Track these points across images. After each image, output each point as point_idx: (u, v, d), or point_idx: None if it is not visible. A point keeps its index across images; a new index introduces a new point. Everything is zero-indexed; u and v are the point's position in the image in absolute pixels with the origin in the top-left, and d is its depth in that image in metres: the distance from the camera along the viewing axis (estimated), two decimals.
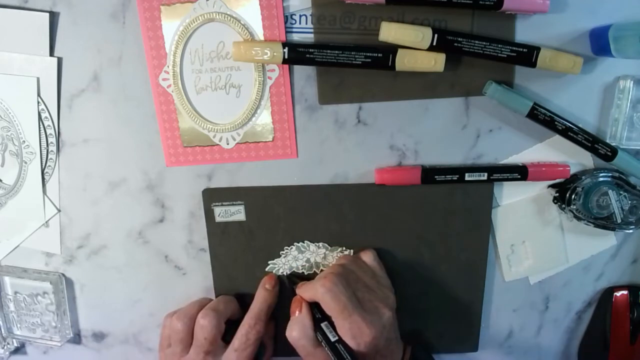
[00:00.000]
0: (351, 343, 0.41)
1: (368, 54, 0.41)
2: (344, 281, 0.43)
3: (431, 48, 0.41)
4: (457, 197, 0.47)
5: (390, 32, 0.41)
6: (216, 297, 0.51)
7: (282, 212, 0.48)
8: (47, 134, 0.47)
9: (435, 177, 0.46)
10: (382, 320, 0.42)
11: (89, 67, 0.45)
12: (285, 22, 0.43)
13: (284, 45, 0.42)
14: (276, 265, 0.50)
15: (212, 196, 0.48)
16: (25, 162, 0.48)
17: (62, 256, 0.51)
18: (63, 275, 0.52)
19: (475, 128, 0.46)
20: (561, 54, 0.42)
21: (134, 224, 0.50)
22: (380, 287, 0.46)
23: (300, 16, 0.43)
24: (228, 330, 0.47)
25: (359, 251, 0.48)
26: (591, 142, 0.44)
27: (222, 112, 0.46)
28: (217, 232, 0.49)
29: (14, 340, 0.55)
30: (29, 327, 0.54)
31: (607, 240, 0.49)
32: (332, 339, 0.41)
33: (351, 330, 0.41)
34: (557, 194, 0.47)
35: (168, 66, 0.44)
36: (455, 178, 0.45)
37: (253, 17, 0.43)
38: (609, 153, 0.44)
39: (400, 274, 0.50)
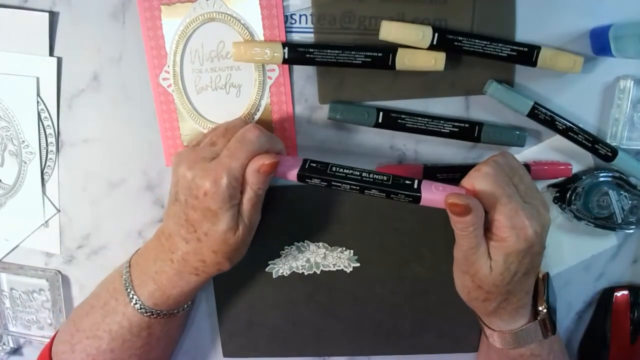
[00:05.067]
0: (510, 235, 0.37)
1: (368, 54, 0.41)
2: (505, 170, 0.39)
3: (431, 47, 0.41)
4: None
5: (390, 31, 0.41)
6: (216, 298, 0.51)
7: (282, 212, 0.48)
8: (47, 134, 0.47)
9: (437, 175, 0.46)
10: (542, 221, 0.38)
11: (88, 67, 0.45)
12: (285, 22, 0.43)
13: (284, 45, 0.42)
14: (276, 266, 0.50)
15: None
16: (25, 162, 0.48)
17: (62, 256, 0.51)
18: (59, 272, 0.51)
19: None
20: (562, 53, 0.42)
21: (134, 224, 0.50)
22: (534, 184, 0.41)
23: (300, 16, 0.43)
24: None
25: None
26: (591, 143, 0.44)
27: (222, 111, 0.46)
28: None
29: (9, 339, 0.55)
30: (24, 324, 0.54)
31: (608, 240, 0.49)
32: None
33: (511, 218, 0.37)
34: (558, 194, 0.47)
35: (168, 66, 0.44)
36: (457, 176, 0.45)
37: (253, 17, 0.43)
38: (609, 154, 0.44)
39: (401, 273, 0.50)
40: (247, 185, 0.39)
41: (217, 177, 0.37)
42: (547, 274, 0.46)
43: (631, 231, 0.47)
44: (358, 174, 0.40)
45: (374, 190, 0.39)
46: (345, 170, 0.40)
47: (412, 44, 0.41)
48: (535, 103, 0.43)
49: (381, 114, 0.44)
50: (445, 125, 0.44)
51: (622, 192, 0.46)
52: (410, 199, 0.39)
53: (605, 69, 0.44)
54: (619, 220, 0.46)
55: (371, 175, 0.40)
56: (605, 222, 0.46)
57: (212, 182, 0.37)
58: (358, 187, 0.39)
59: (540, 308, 0.43)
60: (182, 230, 0.40)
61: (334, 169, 0.40)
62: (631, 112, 0.44)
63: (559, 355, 0.45)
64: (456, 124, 0.44)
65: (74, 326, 0.45)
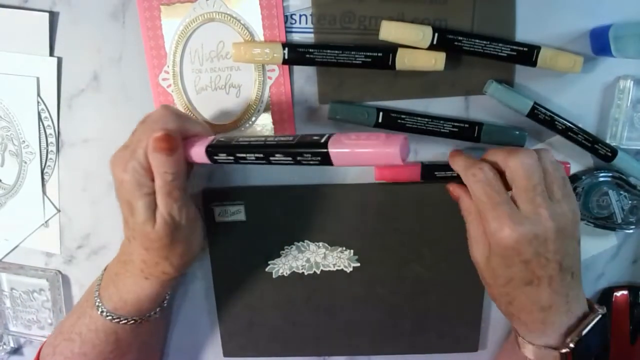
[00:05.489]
0: (491, 240, 0.38)
1: (368, 54, 0.41)
2: (497, 174, 0.39)
3: (431, 47, 0.41)
4: None
5: (390, 31, 0.41)
6: (216, 298, 0.51)
7: (282, 212, 0.48)
8: (47, 134, 0.47)
9: (435, 173, 0.46)
10: (534, 228, 0.37)
11: (88, 67, 0.45)
12: (285, 22, 0.43)
13: (284, 45, 0.42)
14: (276, 265, 0.50)
15: (212, 196, 0.48)
16: (25, 162, 0.48)
17: (62, 256, 0.51)
18: (59, 272, 0.52)
19: None
20: (561, 53, 0.42)
21: None
22: (563, 197, 0.38)
23: (300, 16, 0.43)
24: None
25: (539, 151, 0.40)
26: (591, 143, 0.44)
27: (221, 112, 0.46)
28: (217, 232, 0.48)
29: (10, 338, 0.55)
30: (24, 323, 0.54)
31: (608, 240, 0.49)
32: None
33: (492, 223, 0.37)
34: None
35: (168, 66, 0.44)
36: (456, 174, 0.45)
37: (253, 17, 0.43)
38: (608, 154, 0.44)
39: (401, 273, 0.50)
40: (154, 170, 0.36)
41: (125, 164, 0.36)
42: (603, 316, 0.40)
43: (631, 231, 0.47)
44: (263, 139, 0.35)
45: (279, 155, 0.34)
46: (249, 138, 0.36)
47: (412, 44, 0.41)
48: (535, 103, 0.43)
49: (381, 114, 0.44)
50: (445, 125, 0.44)
51: (621, 192, 0.46)
52: (319, 159, 0.33)
53: (605, 69, 0.44)
54: (619, 220, 0.46)
55: (276, 139, 0.35)
56: (605, 222, 0.46)
57: (122, 169, 0.36)
58: (262, 154, 0.35)
59: (568, 340, 0.39)
60: (125, 227, 0.39)
61: (240, 139, 0.36)
62: (631, 112, 0.44)
63: None
64: (456, 124, 0.44)
65: (57, 328, 0.44)
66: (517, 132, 0.45)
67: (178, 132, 0.37)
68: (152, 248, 0.38)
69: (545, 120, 0.43)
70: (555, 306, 0.39)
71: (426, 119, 0.44)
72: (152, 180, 0.36)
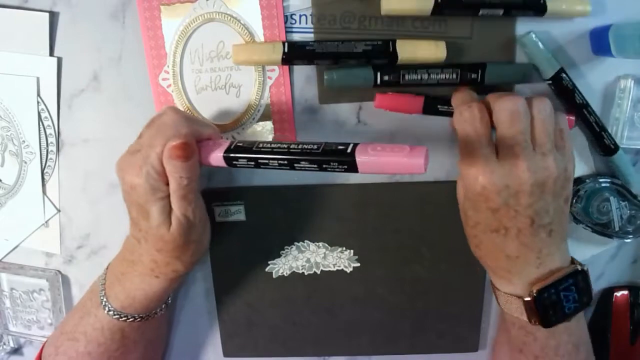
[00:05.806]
0: (464, 181, 0.38)
1: (368, 42, 0.41)
2: (485, 116, 0.37)
3: (435, 11, 0.40)
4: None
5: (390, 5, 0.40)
6: (216, 298, 0.51)
7: (282, 212, 0.48)
8: (47, 134, 0.47)
9: (438, 107, 0.43)
10: (507, 178, 0.35)
11: (88, 67, 0.45)
12: (285, 22, 0.43)
13: (284, 45, 0.42)
14: (276, 265, 0.50)
15: (212, 196, 0.48)
16: (25, 162, 0.48)
17: (62, 256, 0.51)
18: (59, 272, 0.52)
19: None
20: None
21: None
22: (550, 151, 0.36)
23: (300, 16, 0.43)
24: None
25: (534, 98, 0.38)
26: (600, 129, 0.43)
27: (222, 112, 0.46)
28: (217, 232, 0.48)
29: (10, 339, 0.55)
30: (24, 323, 0.54)
31: (608, 239, 0.49)
32: None
33: (465, 165, 0.37)
34: None
35: (168, 66, 0.44)
36: None
37: (253, 17, 0.43)
38: (612, 145, 0.44)
39: (401, 273, 0.50)
40: (169, 174, 0.36)
41: (137, 169, 0.36)
42: (579, 272, 0.39)
43: (628, 240, 0.47)
44: (285, 146, 0.36)
45: (304, 162, 0.35)
46: (272, 145, 0.36)
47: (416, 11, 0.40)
48: (562, 68, 0.41)
49: (379, 73, 0.42)
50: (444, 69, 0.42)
51: (622, 201, 0.46)
52: (346, 167, 0.34)
53: (605, 69, 0.44)
54: (617, 228, 0.46)
55: (300, 146, 0.35)
56: (603, 229, 0.46)
57: (134, 175, 0.36)
58: (286, 161, 0.35)
59: (533, 290, 0.38)
60: (134, 230, 0.39)
61: (260, 145, 0.36)
62: (631, 111, 0.44)
63: (566, 347, 0.40)
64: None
65: (59, 328, 0.44)
66: (521, 66, 0.43)
67: (192, 137, 0.37)
68: (166, 249, 0.39)
69: (566, 89, 0.42)
70: (523, 258, 0.38)
71: (425, 71, 0.42)
72: (166, 184, 0.37)
